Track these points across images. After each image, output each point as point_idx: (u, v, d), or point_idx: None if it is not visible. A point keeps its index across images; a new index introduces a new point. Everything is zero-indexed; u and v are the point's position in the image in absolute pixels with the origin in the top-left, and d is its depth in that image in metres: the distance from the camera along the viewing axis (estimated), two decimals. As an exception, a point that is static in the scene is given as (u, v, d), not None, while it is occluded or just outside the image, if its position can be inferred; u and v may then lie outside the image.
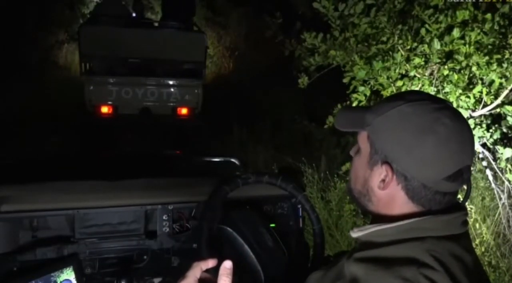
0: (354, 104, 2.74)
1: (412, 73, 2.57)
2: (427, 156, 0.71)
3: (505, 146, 2.74)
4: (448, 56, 2.53)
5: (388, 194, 0.77)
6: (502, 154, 2.61)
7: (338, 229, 3.24)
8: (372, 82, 2.69)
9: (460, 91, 2.51)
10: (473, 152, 0.76)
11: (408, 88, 2.58)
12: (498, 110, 2.58)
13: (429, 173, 0.72)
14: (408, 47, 2.58)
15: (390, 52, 2.61)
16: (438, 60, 2.50)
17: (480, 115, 2.66)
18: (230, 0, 9.62)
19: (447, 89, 2.54)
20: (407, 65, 2.56)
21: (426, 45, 2.48)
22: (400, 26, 2.56)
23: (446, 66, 2.51)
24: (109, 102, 5.42)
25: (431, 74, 2.67)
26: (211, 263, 0.84)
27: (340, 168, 3.19)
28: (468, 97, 2.53)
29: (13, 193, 1.27)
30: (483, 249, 2.92)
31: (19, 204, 1.24)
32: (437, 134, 0.71)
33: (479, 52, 2.38)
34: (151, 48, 5.48)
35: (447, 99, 2.42)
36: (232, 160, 2.28)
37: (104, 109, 5.42)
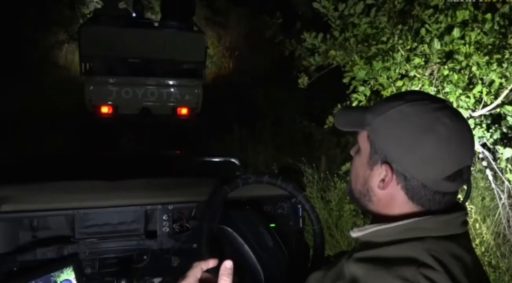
0: (354, 104, 2.74)
1: (412, 73, 2.57)
2: (427, 156, 0.71)
3: (505, 146, 2.74)
4: (448, 56, 2.53)
5: (388, 193, 0.77)
6: (502, 154, 2.61)
7: (338, 229, 3.24)
8: (372, 82, 2.69)
9: (460, 91, 2.51)
10: (473, 152, 0.76)
11: (408, 88, 2.58)
12: (498, 110, 2.58)
13: (429, 172, 0.72)
14: (408, 47, 2.58)
15: (390, 52, 2.61)
16: (438, 60, 2.50)
17: (480, 115, 2.66)
18: (230, 0, 9.62)
19: (447, 89, 2.54)
20: (407, 65, 2.56)
21: (426, 45, 2.48)
22: (400, 26, 2.56)
23: (446, 66, 2.51)
24: (109, 102, 5.43)
25: (431, 74, 2.67)
26: (211, 263, 0.84)
27: (340, 168, 3.19)
28: (468, 97, 2.53)
29: (13, 193, 1.27)
30: (483, 249, 2.92)
31: (19, 204, 1.24)
32: (436, 134, 0.71)
33: (479, 52, 2.38)
34: (151, 48, 5.48)
35: (447, 99, 2.42)
36: (232, 160, 2.28)
37: (104, 109, 5.42)
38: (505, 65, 2.37)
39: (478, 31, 2.36)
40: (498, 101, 2.49)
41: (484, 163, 2.95)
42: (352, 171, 0.86)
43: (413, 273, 0.67)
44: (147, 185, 1.47)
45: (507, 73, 2.39)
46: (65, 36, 8.88)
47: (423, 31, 2.47)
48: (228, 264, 0.78)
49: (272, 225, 1.37)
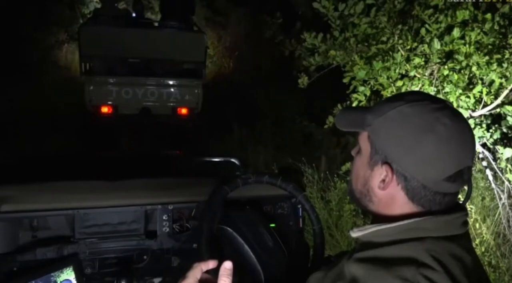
0: (354, 104, 2.74)
1: (412, 73, 2.57)
2: (427, 156, 0.71)
3: (505, 146, 2.74)
4: (448, 56, 2.53)
5: (388, 194, 0.77)
6: (502, 154, 2.61)
7: (338, 229, 3.24)
8: (372, 82, 2.69)
9: (460, 91, 2.51)
10: (473, 153, 0.76)
11: (408, 88, 2.58)
12: (498, 110, 2.58)
13: (429, 173, 0.72)
14: (408, 47, 2.58)
15: (390, 52, 2.61)
16: (438, 60, 2.50)
17: (480, 115, 2.66)
18: (230, 0, 9.62)
19: (447, 89, 2.54)
20: (407, 65, 2.56)
21: (426, 45, 2.47)
22: (400, 26, 2.56)
23: (446, 66, 2.51)
24: (109, 102, 5.43)
25: (431, 74, 2.67)
26: (211, 264, 0.84)
27: (340, 168, 3.19)
28: (468, 97, 2.53)
29: (13, 193, 1.27)
30: (483, 249, 2.92)
31: (19, 204, 1.24)
32: (436, 134, 0.71)
33: (479, 52, 2.38)
34: (151, 48, 5.48)
35: (447, 99, 2.42)
36: (232, 160, 2.28)
37: (104, 109, 5.42)
38: (505, 65, 2.37)
39: (478, 31, 2.35)
40: (498, 101, 2.49)
41: (484, 163, 2.95)
42: (353, 171, 0.86)
43: (413, 273, 0.67)
44: (147, 185, 1.47)
45: (507, 73, 2.39)
46: (65, 36, 8.88)
47: (423, 31, 2.47)
48: (227, 264, 0.78)
49: (272, 225, 1.37)
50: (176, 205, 1.38)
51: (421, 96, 0.77)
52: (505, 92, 2.46)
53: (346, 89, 2.83)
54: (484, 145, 2.86)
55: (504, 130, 2.77)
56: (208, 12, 9.71)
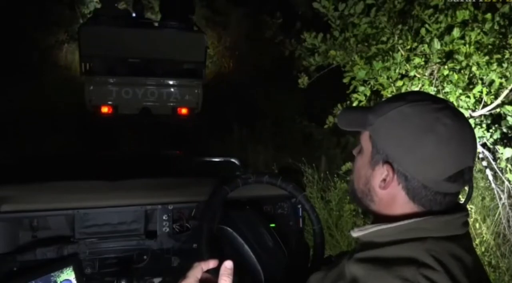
0: (354, 104, 2.74)
1: (412, 73, 2.57)
2: (427, 156, 0.71)
3: (505, 145, 2.74)
4: (448, 56, 2.53)
5: (389, 193, 0.77)
6: (502, 154, 2.61)
7: (338, 229, 3.24)
8: (372, 82, 2.69)
9: (460, 91, 2.51)
10: (475, 153, 0.76)
11: (408, 88, 2.58)
12: (498, 110, 2.58)
13: (429, 173, 0.72)
14: (408, 47, 2.58)
15: (390, 52, 2.61)
16: (438, 60, 2.50)
17: (480, 115, 2.66)
18: (230, 0, 9.62)
19: (447, 89, 2.54)
20: (407, 65, 2.56)
21: (426, 45, 2.47)
22: (400, 26, 2.56)
23: (446, 66, 2.51)
24: (109, 102, 5.43)
25: (431, 74, 2.67)
26: (211, 263, 0.84)
27: (340, 168, 3.19)
28: (468, 97, 2.53)
29: (13, 193, 1.27)
30: (483, 249, 2.92)
31: (19, 204, 1.24)
32: (437, 134, 0.71)
33: (479, 52, 2.38)
34: (151, 48, 5.48)
35: (447, 99, 2.42)
36: (232, 160, 2.27)
37: (104, 109, 5.42)
38: (505, 65, 2.37)
39: (478, 31, 2.35)
40: (498, 101, 2.49)
41: (484, 163, 2.95)
42: (355, 171, 0.86)
43: (413, 273, 0.67)
44: (147, 185, 1.47)
45: (507, 73, 2.39)
46: (65, 36, 8.88)
47: (423, 31, 2.47)
48: (228, 264, 0.78)
49: (272, 225, 1.37)
50: (176, 205, 1.38)
51: (422, 97, 0.77)
52: (505, 92, 2.46)
53: (346, 89, 2.83)
54: (484, 145, 2.86)
55: (504, 130, 2.77)
56: (208, 12, 9.71)
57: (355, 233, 0.80)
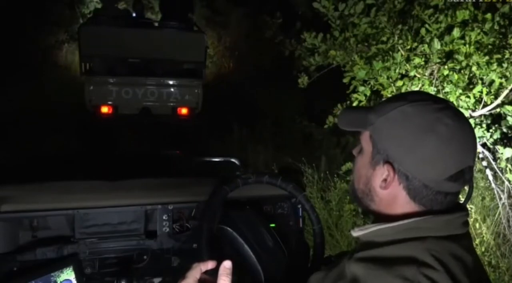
0: (354, 104, 2.74)
1: (412, 73, 2.57)
2: (428, 156, 0.71)
3: (505, 145, 2.74)
4: (448, 56, 2.53)
5: (390, 193, 0.77)
6: (502, 154, 2.61)
7: (338, 229, 3.24)
8: (372, 82, 2.69)
9: (460, 91, 2.51)
10: (475, 153, 0.76)
11: (408, 88, 2.58)
12: (498, 110, 2.58)
13: (430, 172, 0.72)
14: (408, 47, 2.58)
15: (390, 52, 2.61)
16: (438, 60, 2.50)
17: (480, 115, 2.66)
18: (230, 0, 9.62)
19: (447, 89, 2.54)
20: (407, 65, 2.56)
21: (426, 45, 2.47)
22: (400, 26, 2.56)
23: (446, 66, 2.51)
24: (109, 102, 5.43)
25: (431, 74, 2.67)
26: (210, 264, 0.84)
27: (340, 168, 3.19)
28: (468, 97, 2.53)
29: (13, 193, 1.27)
30: (483, 249, 2.92)
31: (19, 204, 1.24)
32: (437, 134, 0.71)
33: (479, 52, 2.38)
34: (151, 48, 5.47)
35: (447, 99, 2.42)
36: (232, 160, 2.27)
37: (104, 109, 5.42)
38: (505, 65, 2.37)
39: (478, 31, 2.35)
40: (498, 101, 2.49)
41: (484, 163, 2.95)
42: (355, 171, 0.86)
43: (414, 272, 0.67)
44: (147, 185, 1.47)
45: (507, 73, 2.39)
46: (65, 36, 8.88)
47: (423, 31, 2.47)
48: (227, 264, 0.78)
49: (272, 225, 1.37)
50: (176, 205, 1.38)
51: (423, 96, 0.77)
52: (505, 92, 2.46)
53: (346, 89, 2.83)
54: (484, 145, 2.86)
55: (504, 130, 2.77)
56: (208, 12, 9.71)
57: (355, 233, 0.80)
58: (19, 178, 1.47)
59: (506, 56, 2.36)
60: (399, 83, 2.60)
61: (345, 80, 2.79)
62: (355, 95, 2.73)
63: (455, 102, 2.51)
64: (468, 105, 2.54)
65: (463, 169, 0.73)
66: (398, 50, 2.57)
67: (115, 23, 5.57)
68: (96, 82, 5.41)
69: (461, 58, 2.41)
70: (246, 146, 5.65)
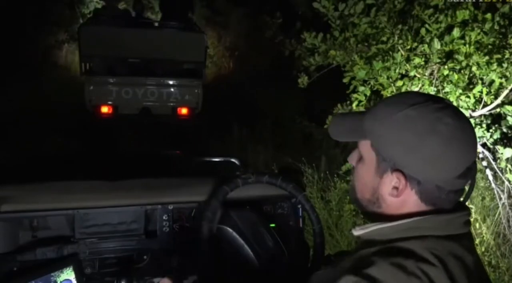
0: (354, 104, 2.74)
1: (412, 73, 2.57)
2: (437, 157, 0.71)
3: (505, 146, 2.74)
4: (448, 56, 2.53)
5: (400, 199, 0.76)
6: (502, 154, 2.61)
7: (338, 229, 3.24)
8: (372, 82, 2.69)
9: (460, 91, 2.51)
10: (477, 147, 0.77)
11: (408, 88, 2.58)
12: (498, 110, 2.58)
13: (442, 173, 0.72)
14: (408, 47, 2.58)
15: (390, 52, 2.61)
16: (438, 60, 2.50)
17: (480, 115, 2.66)
18: (230, 0, 9.61)
19: (447, 89, 2.54)
20: (407, 65, 2.56)
21: (426, 45, 2.47)
22: (400, 26, 2.56)
23: (446, 66, 2.51)
24: (109, 102, 5.43)
25: (431, 74, 2.67)
26: None
27: (340, 168, 3.19)
28: (468, 97, 2.53)
29: (13, 193, 1.27)
30: (483, 249, 2.92)
31: (19, 204, 1.24)
32: (442, 134, 0.71)
33: (479, 52, 2.38)
34: (151, 48, 5.47)
35: (445, 98, 2.42)
36: (232, 160, 2.27)
37: (104, 109, 5.42)
38: (505, 65, 2.37)
39: (478, 31, 2.35)
40: (498, 101, 2.49)
41: (484, 163, 2.95)
42: (357, 180, 0.84)
43: (411, 264, 0.67)
44: (147, 185, 1.46)
45: (507, 73, 2.39)
46: (65, 36, 8.88)
47: (423, 31, 2.47)
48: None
49: (272, 225, 1.37)
50: (176, 205, 1.38)
51: (421, 98, 0.76)
52: (505, 92, 2.46)
53: (346, 89, 2.83)
54: (484, 145, 2.86)
55: (504, 130, 2.77)
56: (208, 12, 9.71)
57: (356, 232, 0.80)
58: (19, 178, 1.47)
59: (506, 56, 2.36)
60: (399, 83, 2.60)
61: (345, 80, 2.79)
62: (355, 95, 2.73)
63: (455, 102, 2.51)
64: (468, 105, 2.54)
65: (470, 165, 0.73)
66: (398, 50, 2.57)
67: (115, 23, 5.57)
68: (96, 82, 5.41)
69: (461, 58, 2.41)
70: (246, 146, 5.65)
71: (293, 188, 1.33)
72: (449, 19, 2.41)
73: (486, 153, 2.86)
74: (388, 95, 2.61)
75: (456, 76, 2.48)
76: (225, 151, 5.24)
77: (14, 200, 1.24)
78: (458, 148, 0.72)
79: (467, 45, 2.37)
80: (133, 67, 5.54)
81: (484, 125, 2.73)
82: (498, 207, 2.94)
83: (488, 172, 2.95)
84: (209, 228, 1.17)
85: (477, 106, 2.59)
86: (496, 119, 2.82)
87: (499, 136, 2.78)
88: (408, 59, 2.59)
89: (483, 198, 3.13)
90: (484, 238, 2.98)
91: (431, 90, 2.56)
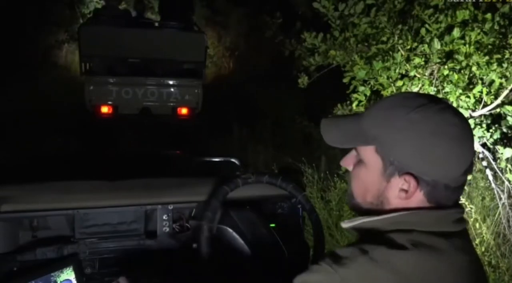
0: (354, 104, 2.74)
1: (412, 73, 2.57)
2: (445, 157, 0.72)
3: (505, 145, 2.74)
4: (448, 56, 2.53)
5: (408, 201, 0.76)
6: (502, 154, 2.61)
7: (338, 229, 3.24)
8: (372, 82, 2.69)
9: (460, 91, 2.51)
10: (473, 142, 0.78)
11: (408, 88, 2.58)
12: (498, 110, 2.58)
13: (450, 172, 0.73)
14: (408, 47, 2.58)
15: (390, 52, 2.61)
16: (438, 60, 2.50)
17: (480, 115, 2.66)
18: (230, 0, 9.62)
19: (447, 89, 2.54)
20: (407, 65, 2.56)
21: (426, 45, 2.48)
22: (400, 26, 2.56)
23: (446, 66, 2.51)
24: (109, 102, 5.43)
25: (431, 74, 2.67)
26: None
27: (340, 168, 3.19)
28: (468, 97, 2.53)
29: (13, 193, 1.27)
30: (483, 249, 2.92)
31: (19, 204, 1.24)
32: (448, 134, 0.72)
33: (479, 52, 2.38)
34: (151, 48, 5.48)
35: (447, 99, 2.42)
36: (232, 160, 2.27)
37: (104, 109, 5.42)
38: (505, 65, 2.37)
39: (478, 31, 2.36)
40: (498, 101, 2.49)
41: (484, 163, 2.95)
42: (357, 185, 0.83)
43: (382, 252, 0.69)
44: (147, 185, 1.47)
45: (507, 73, 2.39)
46: (65, 36, 8.88)
47: (423, 31, 2.47)
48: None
49: (272, 225, 1.37)
50: (176, 205, 1.38)
51: (423, 100, 0.76)
52: (505, 92, 2.46)
53: (346, 89, 2.83)
54: (484, 145, 2.86)
55: (504, 130, 2.77)
56: (208, 12, 9.71)
57: (345, 224, 0.82)
58: (19, 178, 1.47)
59: (506, 56, 2.36)
60: (399, 83, 2.60)
61: (345, 80, 2.79)
62: (355, 95, 2.73)
63: (455, 102, 2.51)
64: (468, 105, 2.54)
65: (472, 160, 0.76)
66: (398, 50, 2.57)
67: (115, 23, 5.57)
68: (96, 82, 5.41)
69: (461, 58, 2.41)
70: (246, 146, 5.65)
71: (293, 188, 1.33)
72: (449, 19, 2.41)
73: (486, 153, 2.86)
74: (388, 95, 2.61)
75: (456, 76, 2.48)
76: (225, 151, 5.24)
77: (14, 200, 1.24)
78: (464, 146, 0.73)
79: (467, 45, 2.37)
80: (133, 67, 5.54)
81: (484, 125, 2.73)
82: (498, 207, 2.94)
83: (488, 172, 2.95)
84: (209, 228, 1.17)
85: (477, 106, 2.59)
86: (496, 119, 2.82)
87: (499, 136, 2.78)
88: (408, 59, 2.59)
89: (483, 198, 3.12)
90: (484, 238, 2.97)
91: (431, 90, 2.56)
